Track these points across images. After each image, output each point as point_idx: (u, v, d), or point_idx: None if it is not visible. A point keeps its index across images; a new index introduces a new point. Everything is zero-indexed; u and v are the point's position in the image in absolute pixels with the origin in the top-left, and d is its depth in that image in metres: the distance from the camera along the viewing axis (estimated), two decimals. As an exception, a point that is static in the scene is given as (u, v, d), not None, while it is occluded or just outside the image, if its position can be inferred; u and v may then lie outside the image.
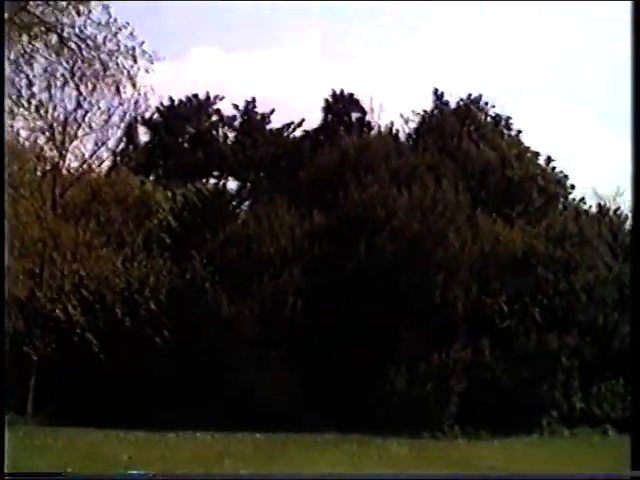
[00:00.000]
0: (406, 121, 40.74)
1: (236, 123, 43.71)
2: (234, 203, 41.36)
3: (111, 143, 34.33)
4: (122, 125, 33.49)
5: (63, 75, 21.83)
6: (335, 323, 31.16)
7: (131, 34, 21.91)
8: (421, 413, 30.20)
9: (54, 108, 27.88)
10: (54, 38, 20.80)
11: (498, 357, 31.85)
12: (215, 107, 43.85)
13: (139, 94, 25.18)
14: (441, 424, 30.41)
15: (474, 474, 13.76)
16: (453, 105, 41.16)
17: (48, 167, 32.47)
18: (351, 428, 28.01)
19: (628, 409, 32.93)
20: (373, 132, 41.11)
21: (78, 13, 20.64)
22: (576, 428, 31.82)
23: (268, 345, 31.22)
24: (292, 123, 42.92)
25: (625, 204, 38.54)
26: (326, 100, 42.25)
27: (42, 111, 24.01)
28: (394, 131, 40.57)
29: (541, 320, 32.56)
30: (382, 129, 40.74)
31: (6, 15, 16.31)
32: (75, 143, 32.22)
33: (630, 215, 37.02)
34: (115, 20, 21.52)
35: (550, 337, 32.15)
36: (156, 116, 42.24)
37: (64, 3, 20.53)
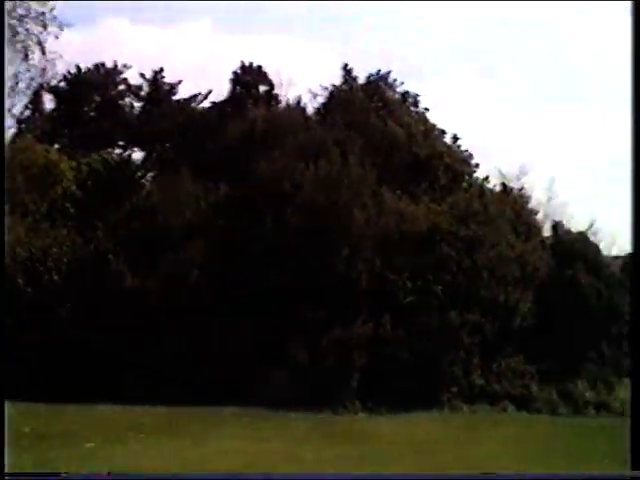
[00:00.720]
0: (314, 95, 40.75)
1: (143, 93, 43.19)
2: (139, 173, 40.93)
3: (16, 110, 33.64)
4: (28, 92, 32.83)
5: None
6: (240, 296, 31.15)
7: (41, -1, 21.43)
8: (323, 388, 30.28)
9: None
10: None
11: (400, 333, 32.08)
12: (122, 76, 43.25)
13: (47, 61, 24.64)
14: (342, 399, 30.56)
15: (474, 474, 13.91)
16: (362, 81, 41.23)
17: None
18: (254, 402, 28.11)
19: (527, 386, 33.61)
20: (281, 105, 41.01)
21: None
22: (475, 404, 32.23)
23: (171, 318, 31.06)
24: (199, 94, 42.59)
25: (529, 184, 39.19)
26: (234, 72, 41.96)
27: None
28: (302, 105, 40.58)
29: (443, 297, 32.88)
30: (290, 103, 40.68)
31: None
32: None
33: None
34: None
35: (452, 314, 32.48)
36: (62, 84, 41.50)
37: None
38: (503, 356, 33.79)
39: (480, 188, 38.70)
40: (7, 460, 11.28)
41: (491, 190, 39.19)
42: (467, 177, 39.81)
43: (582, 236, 38.49)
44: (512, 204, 37.87)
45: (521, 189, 39.20)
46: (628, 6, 10.81)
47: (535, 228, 38.80)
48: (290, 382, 30.28)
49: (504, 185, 39.45)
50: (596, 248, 38.72)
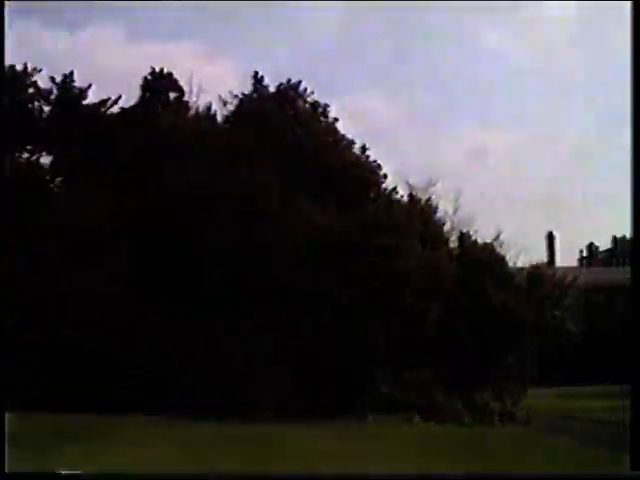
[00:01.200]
0: (224, 103, 40.55)
1: (52, 97, 42.53)
2: (48, 178, 40.32)
3: None
4: None
5: None
6: (148, 303, 31.11)
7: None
8: (231, 394, 30.28)
9: None
10: None
11: (307, 343, 32.17)
12: (32, 79, 42.55)
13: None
14: (254, 405, 30.49)
15: (473, 474, 13.99)
16: (272, 90, 41.18)
17: None
18: (166, 409, 28.16)
19: (433, 396, 33.91)
20: (191, 113, 40.79)
21: None
22: (381, 413, 32.37)
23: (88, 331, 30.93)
24: (109, 99, 42.09)
25: (436, 195, 39.65)
26: (145, 78, 41.58)
27: None
28: (212, 113, 40.41)
29: (351, 307, 33.03)
30: (200, 110, 40.50)
31: None
32: None
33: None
34: None
35: (360, 324, 32.66)
36: (-31, 86, 40.68)
37: None
38: (410, 366, 34.05)
39: (388, 198, 38.99)
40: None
41: (399, 201, 39.51)
42: (376, 187, 39.99)
43: (488, 247, 39.06)
44: (420, 215, 38.26)
45: (428, 200, 39.64)
46: (628, 6, 10.97)
47: (442, 239, 39.28)
48: (202, 388, 30.24)
49: (412, 196, 39.84)
50: (502, 259, 39.33)
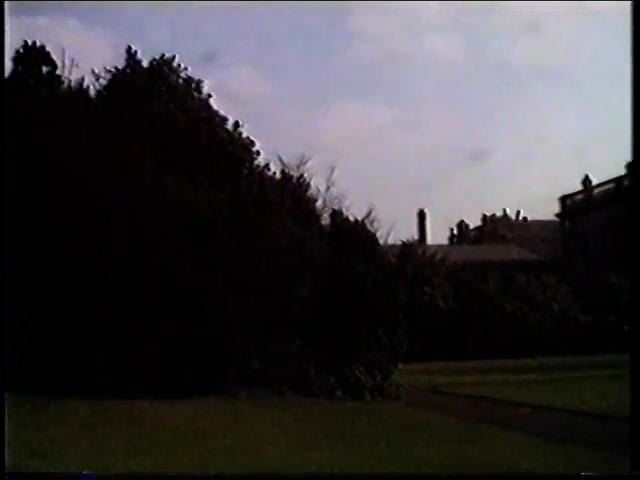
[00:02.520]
0: (97, 78, 39.91)
1: None
2: None
3: None
4: None
5: None
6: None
7: None
8: (104, 373, 30.03)
9: None
10: None
11: (178, 319, 32.07)
12: None
13: None
14: (123, 385, 30.25)
15: (474, 474, 14.01)
16: (145, 65, 40.69)
17: None
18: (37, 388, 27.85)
19: (305, 371, 34.19)
20: (63, 87, 40.00)
21: None
22: (254, 389, 32.51)
23: None
24: (-23, 72, 41.05)
25: (308, 172, 39.87)
26: (17, 51, 40.67)
27: None
28: (85, 87, 39.72)
29: (222, 283, 33.03)
30: (72, 84, 39.75)
31: None
32: None
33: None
34: None
35: (230, 300, 32.69)
36: None
37: None
38: (281, 342, 34.23)
39: (260, 175, 39.03)
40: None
41: (271, 177, 39.60)
42: (248, 164, 39.97)
43: (360, 224, 39.47)
44: (292, 192, 38.42)
45: (301, 177, 39.84)
46: (628, 6, 11.05)
47: (314, 216, 39.52)
48: (78, 368, 29.96)
49: (284, 173, 39.98)
50: (373, 236, 39.81)
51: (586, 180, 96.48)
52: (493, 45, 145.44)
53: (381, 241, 40.81)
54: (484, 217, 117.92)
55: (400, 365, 39.44)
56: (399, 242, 72.03)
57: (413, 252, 74.70)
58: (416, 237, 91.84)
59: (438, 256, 77.04)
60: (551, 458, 16.97)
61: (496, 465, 15.90)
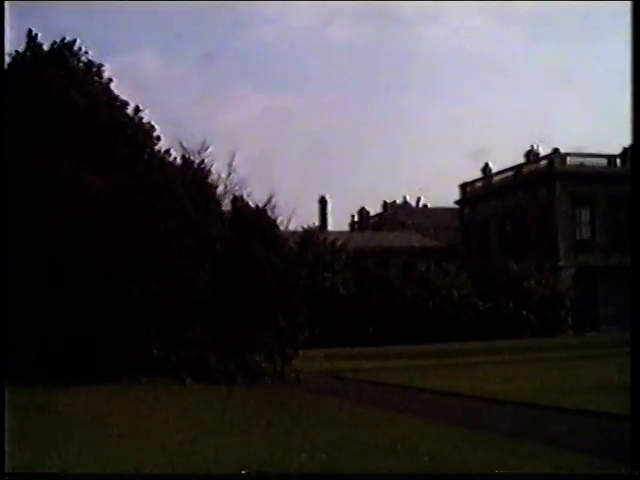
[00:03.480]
0: (-4, 61, 39.11)
1: None
2: None
3: None
4: None
5: None
6: None
7: None
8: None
9: None
10: None
11: (77, 305, 31.76)
12: None
13: None
14: (23, 370, 29.80)
15: (473, 473, 13.93)
16: (46, 48, 40.05)
17: None
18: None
19: (205, 357, 34.11)
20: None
21: None
22: (154, 375, 32.35)
23: None
24: None
25: (209, 158, 39.69)
26: None
27: None
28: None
29: (121, 268, 32.78)
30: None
31: None
32: None
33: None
34: None
35: (129, 285, 32.46)
36: None
37: None
38: (181, 328, 34.10)
39: (161, 160, 38.77)
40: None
41: (172, 163, 39.36)
42: (148, 149, 39.65)
43: (260, 211, 39.47)
44: (192, 177, 38.24)
45: (202, 163, 39.64)
46: (628, 6, 11.05)
47: (215, 202, 39.39)
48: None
49: (185, 158, 39.74)
50: (274, 222, 39.84)
51: (486, 168, 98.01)
52: (397, 33, 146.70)
53: (282, 227, 40.82)
54: (384, 204, 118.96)
55: (301, 351, 39.61)
56: (300, 228, 72.32)
57: (314, 238, 75.04)
58: (317, 223, 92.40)
59: (339, 242, 77.51)
60: (449, 441, 17.28)
61: (394, 447, 16.11)
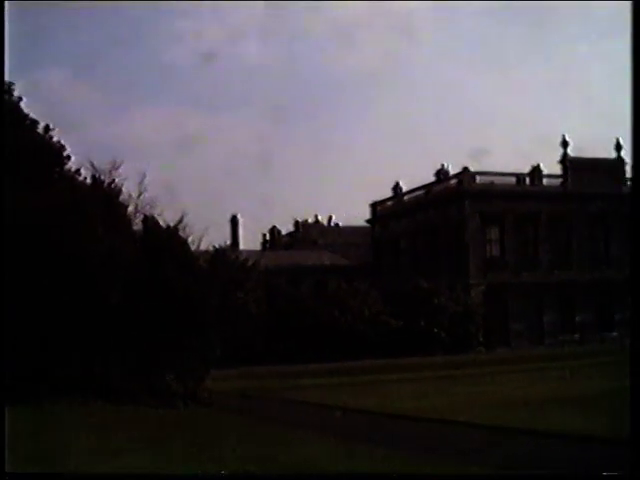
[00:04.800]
0: None
1: None
2: None
3: None
4: None
5: None
6: None
7: None
8: None
9: None
10: None
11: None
12: None
13: None
14: None
15: (474, 474, 13.72)
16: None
17: None
18: None
19: (114, 380, 33.70)
20: None
21: None
22: (59, 396, 31.64)
23: None
24: None
25: (120, 177, 39.39)
26: None
27: None
28: None
29: (30, 290, 32.26)
30: None
31: None
32: None
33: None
34: None
35: (37, 306, 32.00)
36: None
37: None
38: (88, 348, 33.66)
39: (71, 180, 38.37)
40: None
41: (82, 183, 38.98)
42: (58, 169, 39.23)
43: (171, 230, 39.20)
44: (103, 197, 37.86)
45: (112, 182, 39.28)
46: (628, 6, 11.08)
47: (125, 221, 39.04)
48: None
49: (95, 178, 39.35)
50: (184, 242, 39.58)
51: (397, 187, 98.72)
52: (307, 50, 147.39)
53: (193, 247, 40.53)
54: (296, 223, 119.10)
55: (214, 371, 39.42)
56: (211, 247, 71.99)
57: (225, 257, 74.76)
58: (229, 242, 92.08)
59: (250, 261, 77.39)
60: (358, 460, 17.39)
61: (306, 467, 16.18)
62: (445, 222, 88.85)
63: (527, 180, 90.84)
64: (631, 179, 10.71)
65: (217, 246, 75.57)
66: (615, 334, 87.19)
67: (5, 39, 15.16)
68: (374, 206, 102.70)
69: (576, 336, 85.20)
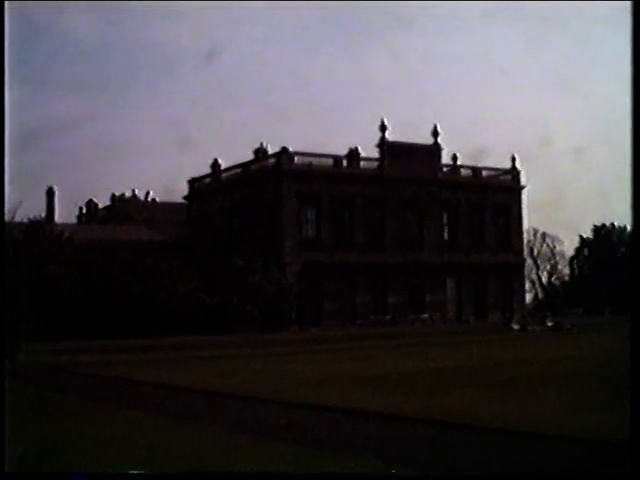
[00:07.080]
0: None
1: None
2: None
3: None
4: None
5: None
6: None
7: None
8: None
9: None
10: None
11: None
12: None
13: None
14: None
15: (473, 474, 13.39)
16: None
17: None
18: None
19: None
20: None
21: None
22: None
23: None
24: None
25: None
26: None
27: None
28: None
29: None
30: None
31: None
32: None
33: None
34: None
35: None
36: None
37: None
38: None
39: None
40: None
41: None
42: None
43: None
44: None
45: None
46: (628, 6, 11.13)
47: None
48: None
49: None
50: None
51: (215, 164, 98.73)
52: (132, 27, 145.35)
53: (7, 218, 39.88)
54: (113, 197, 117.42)
55: (26, 345, 38.98)
56: (26, 220, 70.46)
57: (40, 230, 73.46)
58: (44, 215, 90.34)
59: (65, 235, 76.26)
60: (169, 433, 17.74)
61: (113, 441, 16.42)
62: (262, 201, 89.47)
63: (344, 162, 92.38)
64: (631, 179, 11.33)
65: (32, 218, 74.23)
66: (426, 316, 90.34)
67: (5, 39, 14.97)
68: (192, 183, 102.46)
69: (387, 317, 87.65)
